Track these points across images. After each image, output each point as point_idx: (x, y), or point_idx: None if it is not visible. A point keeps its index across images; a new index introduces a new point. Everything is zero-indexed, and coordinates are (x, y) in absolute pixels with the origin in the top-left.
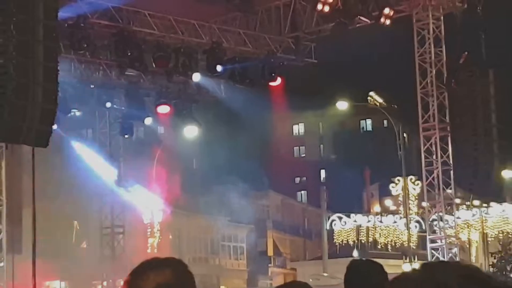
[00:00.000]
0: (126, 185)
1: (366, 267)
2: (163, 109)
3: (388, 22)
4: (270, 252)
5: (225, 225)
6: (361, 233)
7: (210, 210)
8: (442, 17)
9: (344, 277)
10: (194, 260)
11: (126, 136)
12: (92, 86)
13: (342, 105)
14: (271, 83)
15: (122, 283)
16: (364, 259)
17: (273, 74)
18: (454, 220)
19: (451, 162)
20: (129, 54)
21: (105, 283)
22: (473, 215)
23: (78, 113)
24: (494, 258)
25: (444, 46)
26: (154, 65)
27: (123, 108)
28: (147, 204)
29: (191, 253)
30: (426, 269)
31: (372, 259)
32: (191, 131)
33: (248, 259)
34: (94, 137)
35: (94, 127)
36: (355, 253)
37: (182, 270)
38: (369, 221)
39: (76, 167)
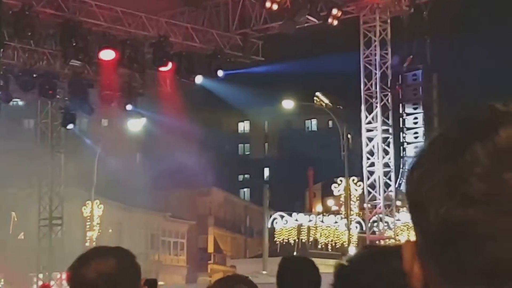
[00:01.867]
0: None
1: (297, 264)
2: (107, 100)
3: (335, 22)
4: (211, 249)
5: (166, 220)
6: (302, 232)
7: (152, 204)
8: (389, 20)
9: (276, 274)
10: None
11: (68, 127)
12: (35, 75)
13: (288, 104)
14: (217, 79)
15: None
16: (298, 256)
17: (219, 70)
18: (394, 222)
19: (392, 164)
20: (74, 44)
21: (41, 275)
22: None
23: (20, 102)
24: None
25: (389, 49)
26: (99, 57)
27: (66, 99)
28: (87, 197)
29: (131, 248)
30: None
31: (309, 257)
32: (135, 125)
33: (188, 256)
34: (36, 127)
35: (36, 117)
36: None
37: (127, 261)
38: (310, 220)
39: (17, 158)
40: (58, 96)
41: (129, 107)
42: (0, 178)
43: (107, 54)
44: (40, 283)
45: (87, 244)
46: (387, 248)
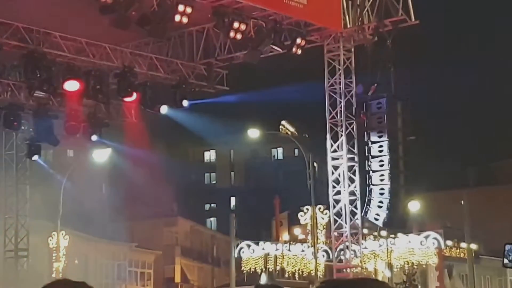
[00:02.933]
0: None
1: None
2: (72, 131)
3: (299, 51)
4: (178, 279)
5: (132, 251)
6: (269, 261)
7: (118, 235)
8: (352, 49)
9: None
10: (101, 286)
11: (33, 158)
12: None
13: (254, 133)
14: (182, 109)
15: None
16: (269, 283)
17: (184, 100)
18: (360, 250)
19: (358, 192)
20: (38, 75)
21: None
22: (380, 245)
23: None
24: None
25: (354, 77)
26: (64, 88)
27: (31, 130)
28: (53, 228)
29: (98, 279)
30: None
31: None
32: (101, 155)
33: (155, 286)
34: (1, 159)
35: (1, 149)
36: (263, 278)
37: None
38: (277, 249)
39: None
40: (23, 127)
41: (94, 137)
42: None
43: (71, 85)
44: None
45: (54, 275)
46: (343, 281)
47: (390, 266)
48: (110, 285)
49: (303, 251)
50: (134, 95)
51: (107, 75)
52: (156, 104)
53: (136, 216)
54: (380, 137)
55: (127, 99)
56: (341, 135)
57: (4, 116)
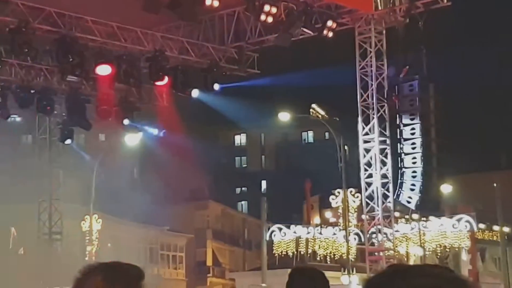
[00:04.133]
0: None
1: (309, 273)
2: (104, 115)
3: (331, 34)
4: (209, 262)
5: (164, 234)
6: (301, 245)
7: (150, 219)
8: (384, 31)
9: (287, 284)
10: None
11: (66, 142)
12: (32, 91)
13: (284, 117)
14: (214, 93)
15: None
16: (305, 266)
17: (215, 84)
18: (392, 233)
19: (390, 175)
20: (70, 60)
21: None
22: (412, 228)
23: (18, 118)
24: None
25: (385, 60)
26: (96, 72)
27: (63, 114)
28: (86, 212)
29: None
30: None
31: (312, 267)
32: (132, 139)
33: (186, 269)
34: (34, 143)
35: (34, 133)
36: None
37: (113, 276)
38: (308, 232)
39: (15, 173)
40: (55, 112)
41: (126, 121)
42: None
43: (103, 69)
44: None
45: (87, 258)
46: (410, 266)
47: (422, 249)
48: (142, 268)
49: (334, 234)
50: (166, 79)
51: (138, 59)
52: (187, 87)
53: (167, 200)
54: (412, 119)
55: (159, 83)
56: (373, 118)
57: (37, 100)
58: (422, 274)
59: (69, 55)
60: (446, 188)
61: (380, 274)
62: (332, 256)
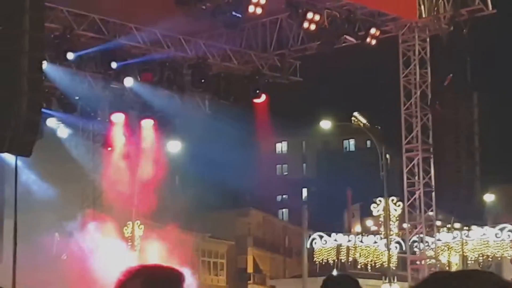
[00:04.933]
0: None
1: (342, 281)
2: (147, 123)
3: (374, 42)
4: (250, 269)
5: (205, 241)
6: (341, 253)
7: (191, 225)
8: (428, 39)
9: None
10: None
11: (109, 148)
12: (76, 97)
13: (326, 125)
14: (256, 100)
15: None
16: (340, 274)
17: (257, 91)
18: (434, 242)
19: (433, 183)
20: (114, 66)
21: None
22: (454, 237)
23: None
24: None
25: (429, 68)
26: (139, 79)
27: (106, 120)
28: (128, 218)
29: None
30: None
31: (349, 274)
32: (174, 146)
33: (227, 276)
34: (77, 150)
35: (77, 139)
36: (335, 273)
37: (152, 280)
38: (349, 240)
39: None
40: (99, 118)
41: (168, 128)
42: (41, 199)
43: (146, 76)
44: None
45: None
46: (452, 273)
47: (464, 258)
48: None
49: (375, 242)
50: (208, 85)
51: (181, 66)
52: (230, 95)
53: (209, 207)
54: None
55: (201, 90)
56: (416, 126)
57: (81, 106)
58: (467, 279)
59: (112, 62)
60: (489, 197)
61: (422, 282)
62: (373, 264)
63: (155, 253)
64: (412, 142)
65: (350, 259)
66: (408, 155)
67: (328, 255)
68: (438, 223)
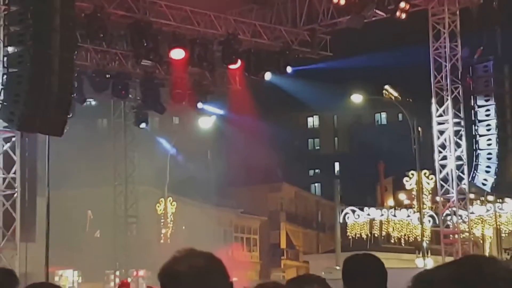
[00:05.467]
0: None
1: (360, 262)
2: (178, 99)
3: (403, 16)
4: (283, 244)
5: (238, 217)
6: (375, 227)
7: (224, 202)
8: (458, 12)
9: (343, 269)
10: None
11: (141, 126)
12: (107, 75)
13: (357, 99)
14: (286, 75)
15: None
16: (364, 253)
17: (288, 67)
18: (467, 215)
19: (465, 157)
20: (145, 44)
21: (118, 273)
22: (487, 210)
23: (93, 103)
24: (508, 254)
25: (459, 41)
26: (170, 56)
27: (138, 98)
28: (161, 195)
29: (204, 244)
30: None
31: (371, 253)
32: (206, 122)
33: (261, 251)
34: (109, 127)
35: (109, 117)
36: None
37: (216, 260)
38: (382, 214)
39: (91, 157)
40: (130, 96)
41: (199, 105)
42: (75, 177)
43: (177, 53)
44: (117, 280)
45: (162, 241)
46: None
47: (498, 231)
48: (216, 251)
49: (408, 216)
50: (239, 62)
51: (211, 42)
52: (260, 71)
53: (241, 182)
54: (487, 101)
55: (232, 66)
56: (447, 99)
57: (112, 85)
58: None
59: (143, 40)
60: None
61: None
62: (407, 238)
63: (188, 230)
64: (443, 115)
65: (383, 233)
66: (439, 128)
67: (361, 230)
68: (471, 196)
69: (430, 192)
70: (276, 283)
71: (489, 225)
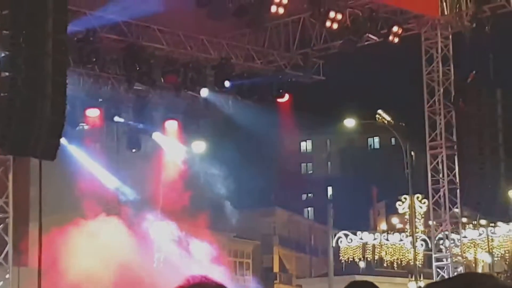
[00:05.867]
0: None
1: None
2: (171, 124)
3: (396, 40)
4: (276, 268)
5: (231, 241)
6: (367, 251)
7: (216, 225)
8: (450, 36)
9: None
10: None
11: (133, 150)
12: (100, 100)
13: (350, 123)
14: (279, 100)
15: None
16: (364, 281)
17: (281, 91)
18: (460, 239)
19: (457, 181)
20: (137, 68)
21: None
22: (480, 234)
23: (86, 127)
24: (500, 277)
25: (452, 65)
26: (162, 80)
27: (130, 122)
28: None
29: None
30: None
31: (368, 281)
32: (198, 147)
33: (253, 275)
34: (102, 151)
35: (102, 141)
36: (362, 264)
37: None
38: (375, 238)
39: (84, 181)
40: (123, 120)
41: (192, 128)
42: (65, 200)
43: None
44: None
45: (155, 265)
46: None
47: (490, 255)
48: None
49: (401, 240)
50: (231, 86)
51: (204, 66)
52: (253, 95)
53: (233, 206)
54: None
55: (224, 91)
56: (439, 123)
57: (105, 108)
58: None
59: (136, 64)
60: None
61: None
62: (399, 262)
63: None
64: (436, 139)
65: (376, 257)
66: (432, 152)
67: (354, 254)
68: (464, 220)
69: (423, 216)
70: None
71: (482, 249)
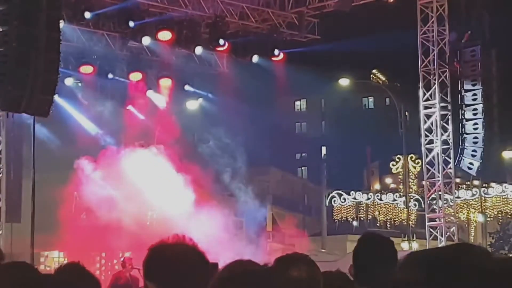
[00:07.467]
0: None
1: (379, 240)
2: (165, 82)
3: None
4: (269, 227)
5: (224, 199)
6: (361, 210)
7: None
8: None
9: (354, 250)
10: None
11: (128, 107)
12: (94, 56)
13: (345, 82)
14: (274, 58)
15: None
16: (376, 234)
17: (275, 49)
18: (453, 199)
19: (451, 141)
20: (132, 25)
21: (103, 254)
22: (473, 194)
23: (80, 84)
24: (492, 238)
25: (447, 25)
26: (156, 38)
27: (124, 79)
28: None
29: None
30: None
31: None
32: (192, 105)
33: (246, 234)
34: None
35: (96, 98)
36: (355, 224)
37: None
38: (368, 198)
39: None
40: (117, 78)
41: (187, 87)
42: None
43: (164, 35)
44: (103, 261)
45: (148, 223)
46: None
47: (483, 215)
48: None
49: (394, 200)
50: (226, 44)
51: (199, 24)
52: (248, 53)
53: (227, 165)
54: (474, 85)
55: (219, 49)
56: (434, 83)
57: (99, 65)
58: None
59: (130, 21)
60: (508, 154)
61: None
62: (392, 222)
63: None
64: (430, 99)
65: (369, 217)
66: (426, 112)
67: (347, 213)
68: (457, 180)
69: (416, 176)
70: (251, 262)
71: (474, 209)
